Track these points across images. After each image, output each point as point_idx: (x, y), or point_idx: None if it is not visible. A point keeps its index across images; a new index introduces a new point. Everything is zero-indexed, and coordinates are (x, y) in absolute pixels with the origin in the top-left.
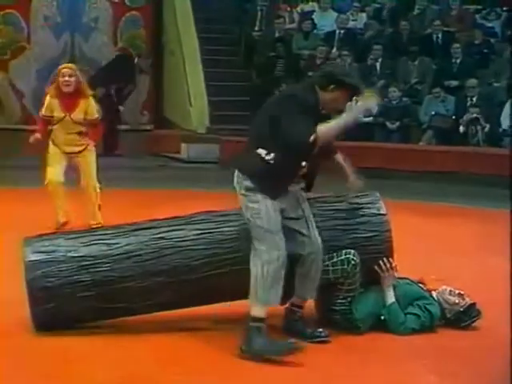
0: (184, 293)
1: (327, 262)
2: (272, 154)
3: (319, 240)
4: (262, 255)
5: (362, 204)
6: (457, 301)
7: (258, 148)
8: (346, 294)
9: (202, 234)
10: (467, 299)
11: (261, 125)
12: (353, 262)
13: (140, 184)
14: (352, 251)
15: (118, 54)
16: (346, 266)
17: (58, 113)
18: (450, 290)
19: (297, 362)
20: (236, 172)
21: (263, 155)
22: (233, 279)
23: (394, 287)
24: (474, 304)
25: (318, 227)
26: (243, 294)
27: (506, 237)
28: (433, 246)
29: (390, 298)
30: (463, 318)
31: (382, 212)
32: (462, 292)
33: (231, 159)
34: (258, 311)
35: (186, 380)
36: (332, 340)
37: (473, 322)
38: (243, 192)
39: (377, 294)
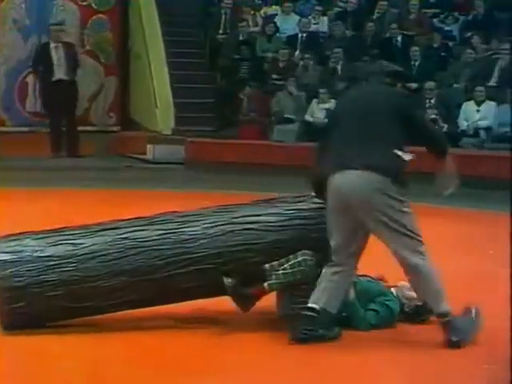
0: (149, 292)
1: (286, 265)
2: (410, 154)
3: None
4: (426, 255)
5: (323, 204)
6: (415, 295)
7: (391, 148)
8: (307, 293)
9: (165, 234)
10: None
11: (386, 124)
12: (310, 263)
13: (107, 184)
14: (307, 251)
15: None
16: (303, 267)
17: None
18: (409, 286)
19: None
20: (376, 175)
21: (401, 156)
22: (195, 278)
23: (355, 284)
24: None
25: (283, 226)
26: (206, 293)
27: (480, 236)
28: None
29: (350, 295)
30: (421, 311)
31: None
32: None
33: (365, 161)
34: (444, 306)
35: (157, 377)
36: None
37: (431, 315)
38: (396, 196)
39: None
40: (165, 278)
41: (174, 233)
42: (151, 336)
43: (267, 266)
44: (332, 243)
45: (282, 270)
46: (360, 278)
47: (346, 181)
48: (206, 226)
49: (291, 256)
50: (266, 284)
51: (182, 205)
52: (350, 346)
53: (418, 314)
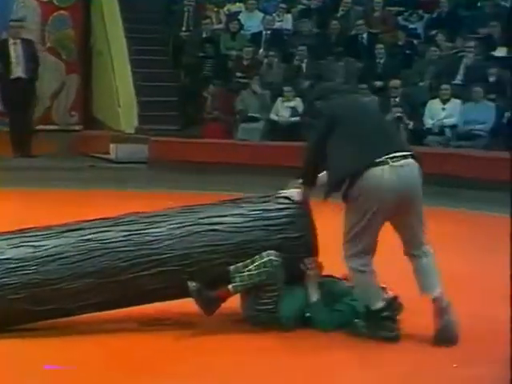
0: (114, 294)
1: (250, 267)
2: None
3: None
4: None
5: (289, 204)
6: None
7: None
8: (270, 294)
9: (129, 235)
10: (389, 293)
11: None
12: (275, 263)
13: (69, 184)
14: (272, 252)
15: None
16: (269, 268)
17: None
18: None
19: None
20: (415, 163)
21: None
22: (161, 280)
23: (320, 285)
24: (395, 297)
25: (249, 227)
26: (172, 295)
27: (445, 235)
28: None
29: (314, 295)
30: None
31: (305, 212)
32: (383, 286)
33: (418, 155)
34: None
35: (126, 380)
36: (257, 338)
37: (395, 315)
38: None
39: (302, 292)
40: (130, 280)
41: (139, 234)
42: (118, 338)
43: (232, 267)
44: (359, 246)
45: (247, 271)
46: (325, 278)
47: (402, 174)
48: (171, 226)
49: (257, 257)
50: (230, 286)
51: (146, 205)
52: (317, 347)
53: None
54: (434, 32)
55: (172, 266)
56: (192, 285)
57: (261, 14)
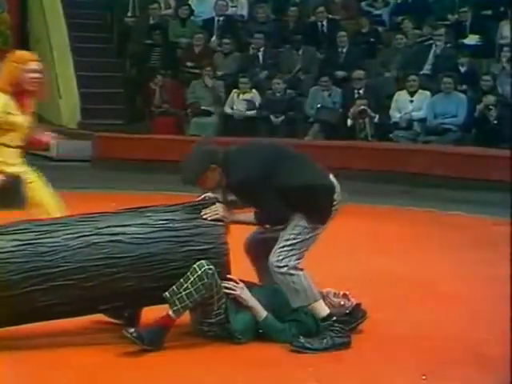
0: (9, 310)
1: (186, 284)
2: None
3: None
4: None
5: (198, 214)
6: (342, 302)
7: None
8: (218, 304)
9: (21, 245)
10: (352, 300)
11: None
12: (210, 272)
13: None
14: (203, 262)
15: None
16: (205, 280)
17: (17, 117)
18: (335, 292)
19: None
20: None
21: None
22: (56, 296)
23: (276, 291)
24: (359, 305)
25: (152, 238)
26: (70, 312)
27: (394, 236)
28: (317, 246)
29: (260, 313)
30: (349, 319)
31: (218, 223)
32: (346, 293)
33: None
34: None
35: None
36: (210, 351)
37: (359, 323)
38: None
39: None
40: (22, 295)
41: (32, 244)
42: (50, 353)
43: (167, 293)
44: (302, 252)
45: (184, 290)
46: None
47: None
48: (68, 236)
49: (188, 274)
50: (170, 312)
51: (89, 207)
52: (233, 358)
53: (346, 322)
54: (400, 19)
55: (68, 280)
56: (129, 332)
57: None
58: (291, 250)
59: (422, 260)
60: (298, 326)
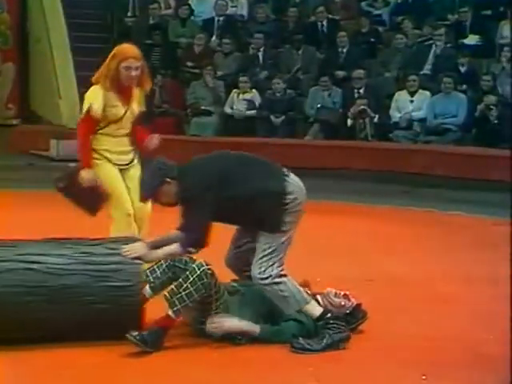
0: None
1: (186, 284)
2: None
3: None
4: None
5: (119, 250)
6: (342, 303)
7: None
8: (217, 304)
9: None
10: (353, 300)
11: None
12: (209, 272)
13: (4, 185)
14: (199, 262)
15: None
16: (205, 280)
17: (118, 109)
18: (335, 292)
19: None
20: None
21: None
22: None
23: None
24: (359, 305)
25: (68, 270)
26: None
27: (394, 236)
28: (317, 246)
29: (253, 330)
30: (350, 320)
31: (137, 261)
32: (347, 293)
33: None
34: None
35: None
36: (210, 351)
37: (359, 324)
38: None
39: (253, 302)
40: None
41: None
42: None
43: (166, 293)
44: (282, 256)
45: (183, 290)
46: None
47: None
48: None
49: (187, 272)
50: (170, 312)
51: None
52: (231, 359)
53: (347, 322)
54: (400, 19)
55: None
56: (133, 335)
57: None
58: (270, 259)
59: (421, 260)
60: (298, 326)
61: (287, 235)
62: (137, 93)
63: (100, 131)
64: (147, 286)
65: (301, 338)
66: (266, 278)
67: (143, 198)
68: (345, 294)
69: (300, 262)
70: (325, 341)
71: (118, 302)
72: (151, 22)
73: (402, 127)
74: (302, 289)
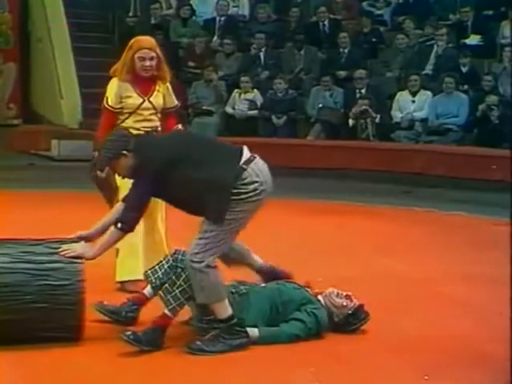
0: None
1: (179, 282)
2: None
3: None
4: None
5: (58, 249)
6: (344, 303)
7: None
8: None
9: None
10: (355, 301)
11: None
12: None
13: (5, 185)
14: (187, 256)
15: None
16: None
17: (134, 99)
18: (338, 292)
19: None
20: None
21: None
22: None
23: (280, 291)
24: (361, 306)
25: (8, 268)
26: None
27: (395, 236)
28: (319, 246)
29: (253, 334)
30: (352, 321)
31: (77, 261)
32: (349, 293)
33: None
34: None
35: None
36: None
37: (361, 324)
38: None
39: (257, 303)
40: None
41: None
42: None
43: (160, 293)
44: (227, 244)
45: (177, 288)
46: (286, 284)
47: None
48: None
49: (179, 270)
50: (166, 311)
51: (89, 207)
52: (232, 358)
53: (349, 323)
54: (401, 19)
55: None
56: (126, 335)
57: None
58: (207, 243)
59: (422, 260)
60: (299, 325)
61: (234, 224)
62: (160, 86)
63: (121, 124)
64: (148, 286)
65: (198, 341)
66: (196, 262)
67: (99, 169)
68: (347, 295)
69: (302, 261)
70: (221, 345)
71: (55, 300)
72: (153, 22)
73: (404, 127)
74: (222, 286)
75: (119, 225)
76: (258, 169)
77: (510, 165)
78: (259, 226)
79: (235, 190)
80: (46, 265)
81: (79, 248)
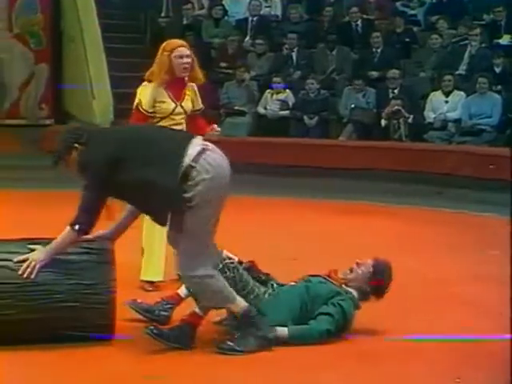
0: None
1: None
2: None
3: None
4: None
5: (92, 249)
6: (359, 271)
7: None
8: (248, 299)
9: None
10: (366, 261)
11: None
12: (232, 265)
13: (38, 185)
14: (224, 256)
15: None
16: (227, 273)
17: (167, 104)
18: (349, 269)
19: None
20: None
21: None
22: None
23: (307, 288)
24: (375, 260)
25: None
26: None
27: (424, 237)
28: (350, 247)
29: (283, 333)
30: (379, 277)
31: (106, 260)
32: (357, 261)
33: None
34: None
35: None
36: (212, 352)
37: (389, 280)
38: None
39: (287, 301)
40: None
41: None
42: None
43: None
44: (209, 246)
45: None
46: (312, 279)
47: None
48: None
49: None
50: (196, 309)
51: (119, 208)
52: (259, 359)
53: (379, 285)
54: (435, 18)
55: None
56: (150, 329)
57: None
58: (190, 255)
59: (452, 261)
60: (328, 319)
61: (203, 226)
62: (189, 90)
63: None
64: (183, 286)
65: (228, 341)
66: (192, 276)
67: (53, 164)
68: (357, 263)
69: (326, 262)
70: (252, 340)
71: (87, 300)
72: (185, 22)
73: (437, 128)
74: (226, 288)
75: (76, 226)
76: (207, 163)
77: (510, 165)
78: (280, 225)
79: (187, 195)
80: (78, 264)
81: (35, 255)
